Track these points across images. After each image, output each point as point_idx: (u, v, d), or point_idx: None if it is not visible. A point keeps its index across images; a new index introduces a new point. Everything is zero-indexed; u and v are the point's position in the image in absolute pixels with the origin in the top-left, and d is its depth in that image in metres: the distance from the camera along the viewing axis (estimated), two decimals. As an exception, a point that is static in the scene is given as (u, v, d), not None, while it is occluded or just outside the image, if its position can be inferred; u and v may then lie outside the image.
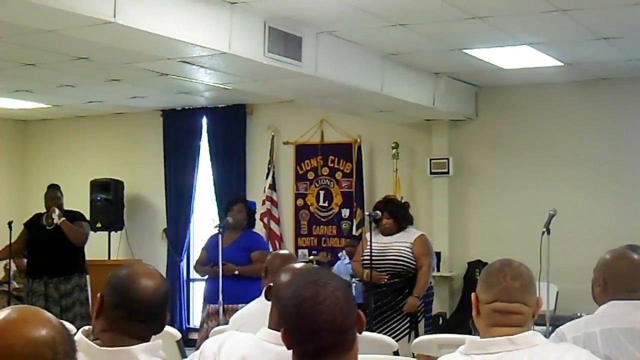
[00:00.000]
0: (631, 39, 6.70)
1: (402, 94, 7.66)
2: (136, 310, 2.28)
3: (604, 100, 8.46)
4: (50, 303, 7.19)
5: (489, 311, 2.45)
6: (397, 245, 6.40)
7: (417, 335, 6.13)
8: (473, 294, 2.51)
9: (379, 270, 6.38)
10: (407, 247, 6.38)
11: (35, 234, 7.50)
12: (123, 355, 2.22)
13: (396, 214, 6.52)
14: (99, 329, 2.29)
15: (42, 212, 7.55)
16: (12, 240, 7.56)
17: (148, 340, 2.30)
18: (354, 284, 7.56)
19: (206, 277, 6.84)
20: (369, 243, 6.41)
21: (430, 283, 6.64)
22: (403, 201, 7.09)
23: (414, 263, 6.35)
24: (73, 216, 7.57)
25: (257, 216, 7.77)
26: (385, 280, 6.38)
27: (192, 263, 10.27)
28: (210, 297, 6.61)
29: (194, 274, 10.31)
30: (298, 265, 3.20)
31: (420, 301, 6.37)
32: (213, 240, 6.66)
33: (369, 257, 6.34)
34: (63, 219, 7.38)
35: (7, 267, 8.26)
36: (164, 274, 9.17)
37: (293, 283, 2.17)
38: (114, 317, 2.29)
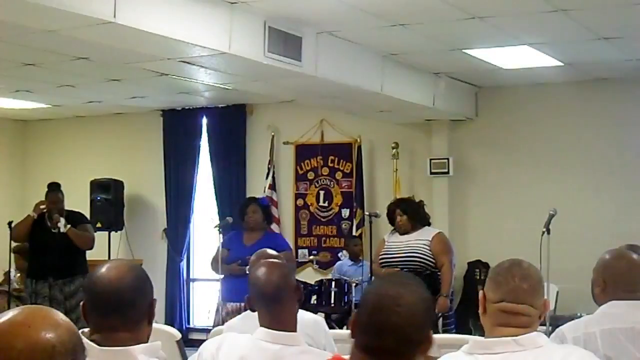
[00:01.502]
0: (631, 39, 6.70)
1: (402, 94, 7.66)
2: (105, 302, 2.28)
3: (604, 100, 8.46)
4: (54, 305, 7.18)
5: (496, 311, 2.44)
6: (414, 242, 6.40)
7: (435, 333, 6.12)
8: (481, 292, 2.50)
9: (397, 268, 6.38)
10: (425, 245, 6.37)
11: (40, 235, 7.49)
12: (122, 355, 2.22)
13: (408, 212, 6.50)
14: (90, 335, 2.30)
15: (44, 212, 7.55)
16: (14, 240, 7.60)
17: (135, 330, 2.28)
18: (354, 285, 7.58)
19: (222, 276, 6.82)
20: (387, 243, 6.43)
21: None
22: (418, 200, 6.97)
23: (432, 260, 6.34)
24: (76, 218, 7.56)
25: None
26: None
27: (192, 263, 10.31)
28: (230, 296, 6.58)
29: (194, 274, 10.33)
30: (269, 259, 3.23)
31: (449, 300, 6.37)
32: (233, 239, 6.66)
33: (387, 257, 6.36)
34: (69, 226, 7.37)
35: (7, 269, 8.28)
36: (164, 274, 9.16)
37: (383, 278, 2.16)
38: (94, 318, 2.31)
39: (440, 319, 6.39)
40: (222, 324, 6.46)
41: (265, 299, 2.93)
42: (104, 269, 2.35)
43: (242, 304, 6.32)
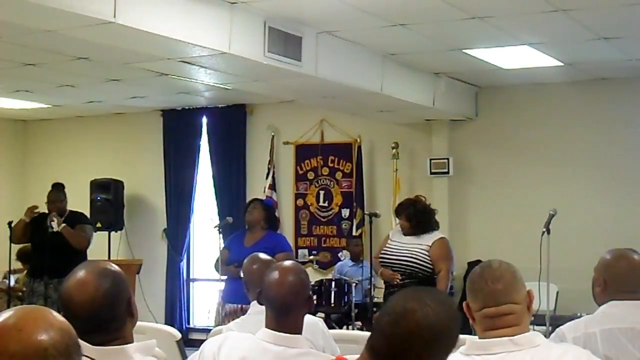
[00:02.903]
0: (631, 39, 6.70)
1: (402, 94, 7.66)
2: (82, 325, 2.14)
3: (604, 100, 8.46)
4: (49, 304, 7.19)
5: (481, 318, 2.45)
6: (413, 246, 6.35)
7: None
8: (464, 303, 2.51)
9: (394, 270, 6.38)
10: (423, 249, 6.31)
11: (39, 234, 7.51)
12: (117, 354, 2.21)
13: (411, 219, 6.44)
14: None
15: (45, 212, 7.58)
16: (13, 243, 7.61)
17: (121, 334, 2.24)
18: (354, 285, 7.58)
19: (225, 277, 6.82)
20: (390, 241, 6.42)
21: (451, 286, 6.60)
22: (430, 207, 6.64)
23: (430, 265, 6.27)
24: (75, 218, 7.57)
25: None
26: (398, 280, 6.35)
27: (192, 263, 10.32)
28: (229, 297, 6.59)
29: (194, 274, 10.33)
30: (286, 263, 3.18)
31: None
32: (235, 240, 6.65)
33: (385, 257, 6.36)
34: (63, 225, 7.38)
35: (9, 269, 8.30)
36: (164, 274, 9.18)
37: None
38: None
39: None
40: (224, 325, 6.49)
41: (274, 307, 2.92)
42: (72, 288, 2.24)
43: (240, 306, 6.35)
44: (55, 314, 1.51)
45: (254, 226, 6.81)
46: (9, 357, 1.41)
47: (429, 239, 6.38)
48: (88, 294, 2.22)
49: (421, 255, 6.30)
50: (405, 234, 6.48)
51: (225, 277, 6.86)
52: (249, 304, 6.31)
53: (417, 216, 6.43)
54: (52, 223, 7.38)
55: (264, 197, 9.43)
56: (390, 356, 1.96)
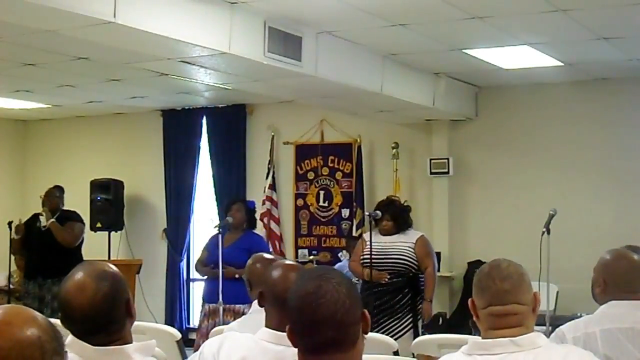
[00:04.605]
0: (631, 39, 6.70)
1: (402, 94, 7.66)
2: (82, 328, 2.20)
3: (604, 101, 8.46)
4: (42, 305, 7.18)
5: (486, 316, 2.45)
6: (399, 245, 6.40)
7: (416, 335, 6.14)
8: (470, 300, 2.51)
9: (379, 269, 6.38)
10: (410, 247, 6.38)
11: (32, 235, 7.51)
12: (116, 354, 2.21)
13: (397, 217, 6.51)
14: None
15: (40, 212, 7.58)
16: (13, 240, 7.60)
17: (121, 335, 2.24)
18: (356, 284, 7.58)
19: (206, 277, 6.86)
20: (368, 243, 6.41)
21: None
22: (406, 204, 6.97)
23: (416, 263, 6.36)
24: (67, 216, 7.55)
25: (257, 216, 7.76)
26: (387, 279, 6.38)
27: (192, 263, 10.30)
28: (208, 297, 6.65)
29: (194, 274, 10.32)
30: (287, 261, 3.20)
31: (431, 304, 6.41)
32: (213, 241, 6.66)
33: (369, 257, 6.35)
34: (52, 220, 7.37)
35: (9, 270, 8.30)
36: (164, 274, 9.18)
37: (298, 278, 2.16)
38: (75, 336, 2.23)
39: (420, 320, 6.39)
40: (204, 324, 6.54)
41: (279, 304, 2.91)
42: (70, 291, 2.23)
43: (220, 306, 6.36)
44: (31, 310, 1.54)
45: (236, 227, 6.82)
46: (5, 352, 1.42)
47: (410, 236, 6.46)
48: (87, 298, 2.21)
49: (409, 253, 6.36)
50: (384, 234, 6.49)
51: (205, 278, 6.89)
52: (228, 303, 6.37)
53: (401, 214, 6.53)
54: (41, 217, 7.39)
55: (263, 197, 9.48)
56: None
